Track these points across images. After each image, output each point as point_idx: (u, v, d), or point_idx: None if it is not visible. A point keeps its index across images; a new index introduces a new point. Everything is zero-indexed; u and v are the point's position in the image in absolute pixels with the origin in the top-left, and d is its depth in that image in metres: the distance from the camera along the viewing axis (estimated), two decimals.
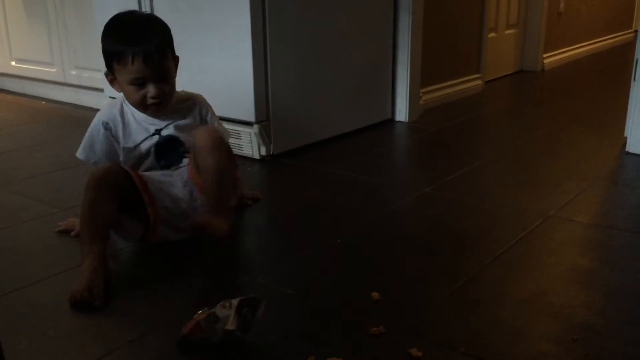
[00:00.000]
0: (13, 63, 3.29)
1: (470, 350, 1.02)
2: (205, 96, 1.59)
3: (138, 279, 1.31)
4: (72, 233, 1.49)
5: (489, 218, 1.60)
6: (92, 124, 1.48)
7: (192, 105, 1.53)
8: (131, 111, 1.47)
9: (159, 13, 2.04)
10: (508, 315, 1.13)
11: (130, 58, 1.37)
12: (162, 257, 1.40)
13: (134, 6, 2.24)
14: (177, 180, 1.44)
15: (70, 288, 1.18)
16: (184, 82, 1.55)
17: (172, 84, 1.46)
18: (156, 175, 1.44)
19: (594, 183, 1.84)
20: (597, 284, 1.25)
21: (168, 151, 1.47)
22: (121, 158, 1.47)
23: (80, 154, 1.49)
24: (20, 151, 2.28)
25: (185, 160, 1.47)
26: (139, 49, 1.37)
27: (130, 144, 1.46)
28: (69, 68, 2.98)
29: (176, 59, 1.49)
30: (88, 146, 1.47)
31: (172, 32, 1.47)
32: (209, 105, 1.56)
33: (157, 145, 1.46)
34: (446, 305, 1.17)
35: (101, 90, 2.67)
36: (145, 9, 2.22)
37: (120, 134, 1.46)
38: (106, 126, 1.45)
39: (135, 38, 1.39)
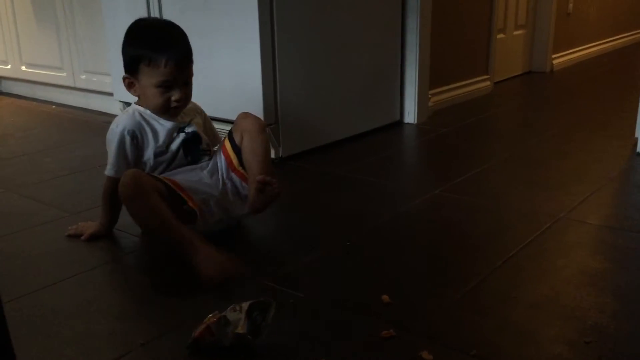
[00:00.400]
0: (23, 68, 3.32)
1: (482, 353, 1.01)
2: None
3: (149, 283, 1.32)
4: (82, 237, 1.50)
5: (499, 220, 1.59)
6: (116, 138, 1.45)
7: (193, 107, 1.58)
8: (150, 115, 1.48)
9: (168, 16, 2.05)
10: (519, 318, 1.12)
11: (163, 62, 1.40)
12: (172, 260, 1.40)
13: (142, 10, 2.25)
14: (202, 173, 1.50)
15: (203, 277, 1.23)
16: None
17: (191, 88, 1.50)
18: (179, 173, 1.47)
19: (605, 184, 1.83)
20: (609, 286, 1.24)
21: (193, 147, 1.51)
22: (141, 166, 1.48)
23: (109, 171, 1.46)
24: (30, 155, 2.30)
25: (206, 157, 1.53)
26: (174, 53, 1.41)
27: (163, 147, 1.48)
28: (79, 72, 2.99)
29: None
30: (116, 160, 1.45)
31: None
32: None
33: (185, 141, 1.50)
34: (457, 308, 1.16)
35: (110, 94, 2.68)
36: (154, 12, 2.23)
37: (148, 139, 1.47)
38: (133, 135, 1.45)
39: (168, 42, 1.42)
